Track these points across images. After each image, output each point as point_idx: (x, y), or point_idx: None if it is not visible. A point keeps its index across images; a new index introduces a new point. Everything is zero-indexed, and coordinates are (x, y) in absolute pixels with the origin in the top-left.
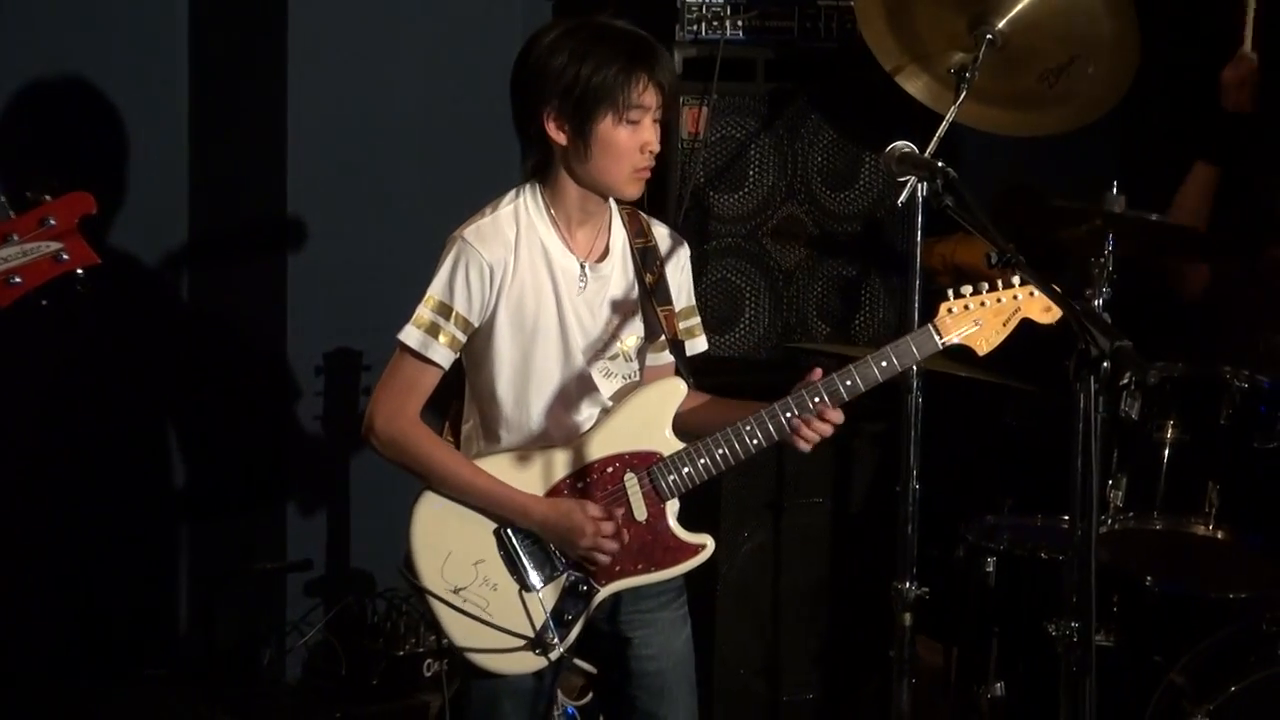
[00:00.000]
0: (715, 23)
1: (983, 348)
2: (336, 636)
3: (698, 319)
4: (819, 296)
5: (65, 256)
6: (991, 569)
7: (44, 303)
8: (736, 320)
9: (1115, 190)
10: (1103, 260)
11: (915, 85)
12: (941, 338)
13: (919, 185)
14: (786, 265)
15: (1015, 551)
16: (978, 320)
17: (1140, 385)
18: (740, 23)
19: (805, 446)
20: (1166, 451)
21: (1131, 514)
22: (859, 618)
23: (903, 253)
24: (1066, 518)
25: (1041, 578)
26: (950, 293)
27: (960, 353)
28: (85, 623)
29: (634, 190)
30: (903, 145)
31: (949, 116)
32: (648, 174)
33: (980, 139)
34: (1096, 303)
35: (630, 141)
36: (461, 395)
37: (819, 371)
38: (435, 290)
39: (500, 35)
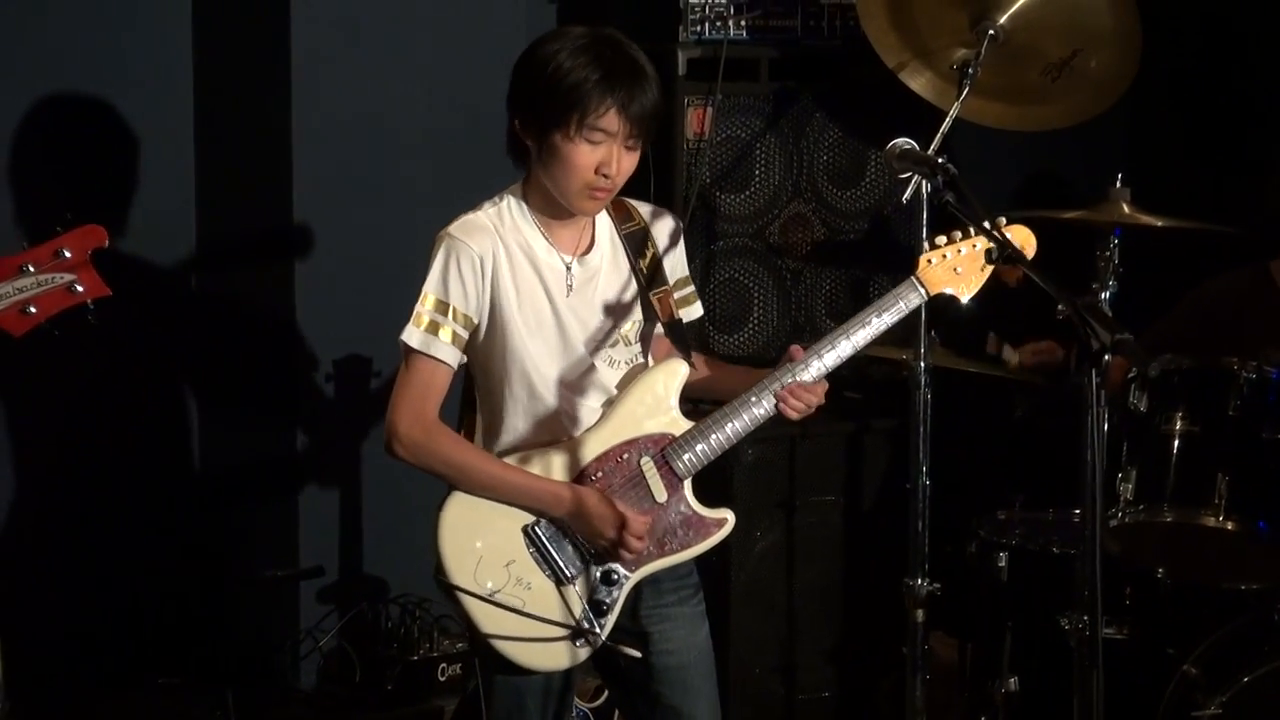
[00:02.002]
0: (719, 23)
1: (964, 293)
2: (350, 643)
3: (692, 288)
4: (827, 295)
5: (79, 288)
6: (1004, 564)
7: (56, 333)
8: (745, 320)
9: (1120, 183)
10: (1108, 254)
11: (918, 82)
12: (925, 288)
13: (922, 182)
14: (794, 264)
15: (1027, 546)
16: (957, 268)
17: (1142, 377)
18: (743, 22)
19: (794, 415)
20: (1176, 443)
21: (1142, 506)
22: (873, 615)
23: (908, 249)
24: (1078, 512)
25: (1054, 572)
26: (926, 244)
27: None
28: (99, 631)
29: (588, 206)
30: (903, 142)
31: (952, 112)
32: (604, 195)
33: (984, 134)
34: (1103, 296)
35: (585, 159)
36: (472, 406)
37: (798, 349)
38: (430, 288)
39: (505, 41)
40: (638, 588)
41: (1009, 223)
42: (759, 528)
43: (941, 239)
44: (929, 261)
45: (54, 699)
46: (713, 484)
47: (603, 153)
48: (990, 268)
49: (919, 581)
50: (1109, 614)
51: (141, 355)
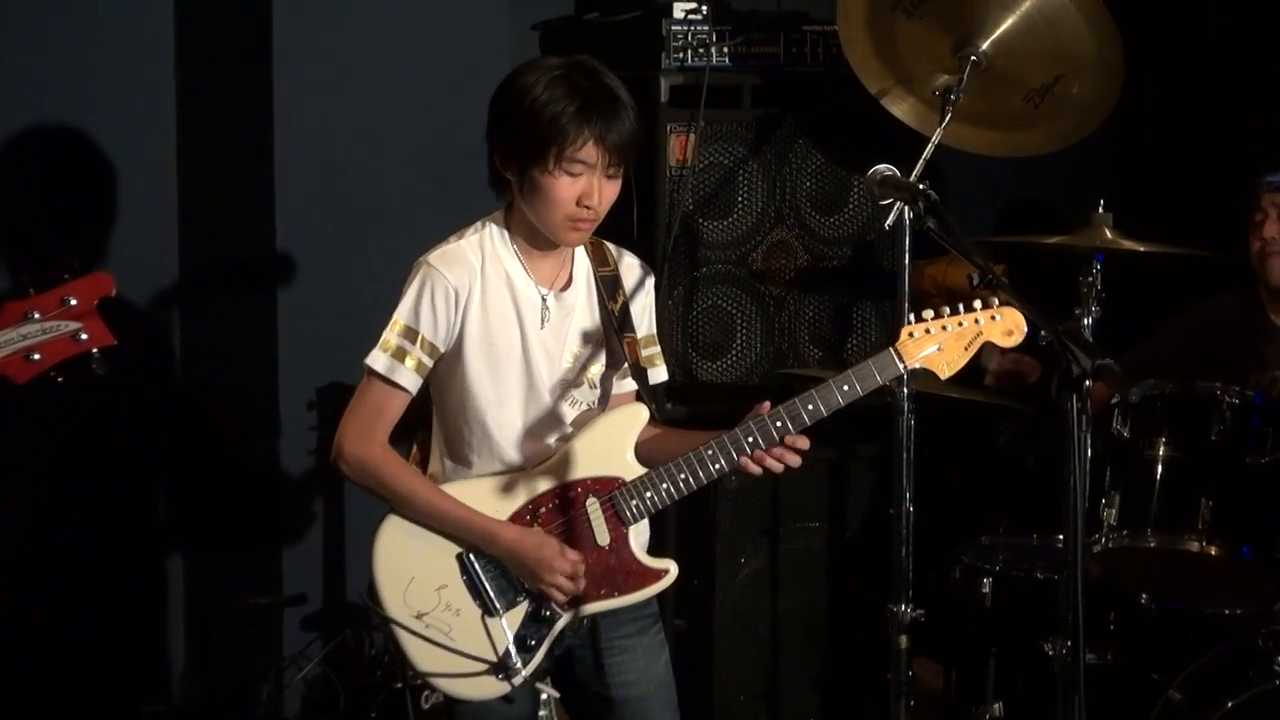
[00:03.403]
0: (701, 50)
1: (944, 371)
2: (334, 670)
3: (658, 348)
4: (810, 321)
5: (84, 336)
6: (988, 589)
7: (59, 379)
8: (728, 347)
9: (1102, 209)
10: (1091, 280)
11: (901, 108)
12: (904, 361)
13: (905, 208)
14: (777, 290)
15: (1011, 572)
16: (940, 344)
17: (1124, 402)
18: (726, 49)
19: (757, 470)
20: (1159, 468)
21: (1125, 531)
22: (857, 641)
23: (892, 275)
24: (1061, 537)
25: (1038, 597)
26: (911, 316)
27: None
28: (82, 661)
29: (572, 238)
30: (885, 168)
31: (934, 139)
32: (588, 225)
33: (967, 160)
34: (1085, 322)
35: (566, 191)
36: (428, 425)
37: (767, 405)
38: (401, 315)
39: (489, 69)
40: (594, 620)
41: (978, 283)
42: (743, 554)
43: (929, 313)
44: (911, 335)
45: None
46: (697, 510)
47: (583, 184)
48: (975, 349)
49: (903, 607)
50: (1092, 639)
51: (124, 381)
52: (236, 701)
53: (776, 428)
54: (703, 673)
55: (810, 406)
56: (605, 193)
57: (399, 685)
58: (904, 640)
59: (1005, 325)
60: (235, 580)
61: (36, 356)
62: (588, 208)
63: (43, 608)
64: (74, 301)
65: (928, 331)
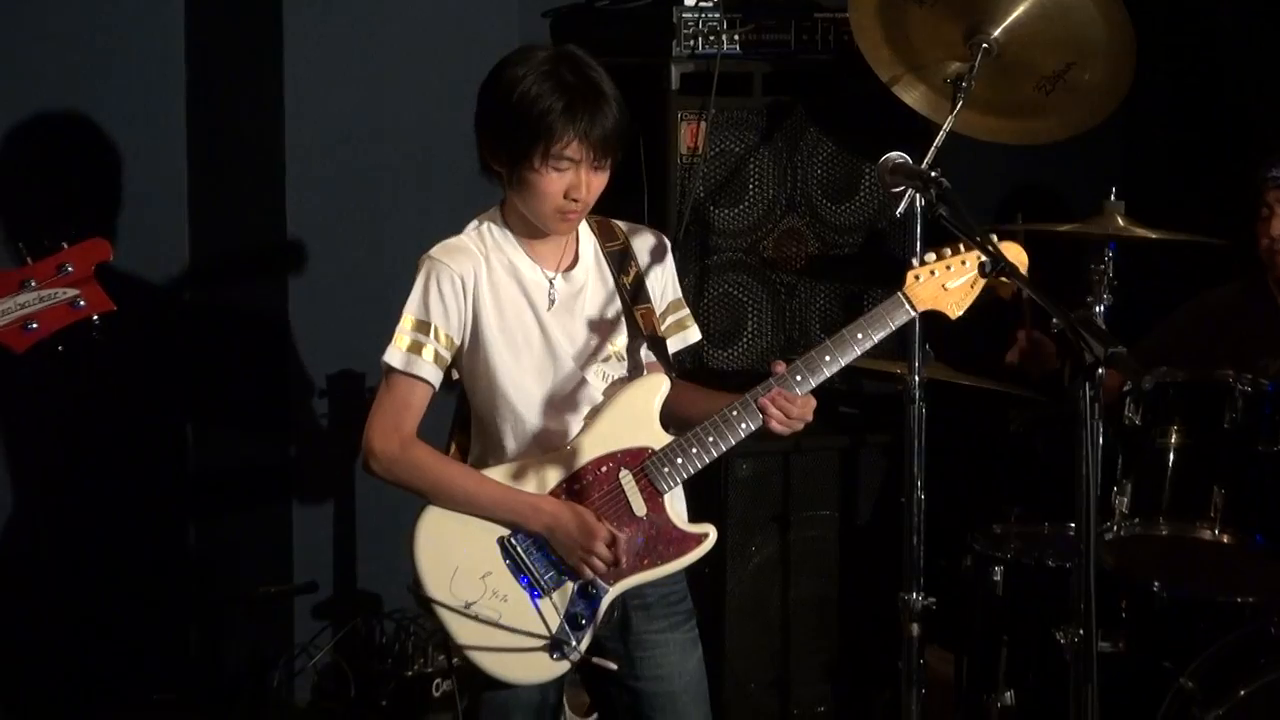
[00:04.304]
0: (712, 37)
1: (954, 311)
2: (345, 658)
3: (686, 310)
4: (822, 309)
5: (82, 303)
6: (999, 578)
7: (60, 348)
8: (739, 335)
9: (1114, 196)
10: (1103, 268)
11: (912, 95)
12: (913, 305)
13: (916, 196)
14: (788, 278)
15: (1023, 560)
16: (945, 284)
17: (1136, 390)
18: (736, 37)
19: (781, 428)
20: (1171, 456)
21: (1137, 520)
22: (868, 629)
23: (904, 263)
24: (1073, 525)
25: (1049, 586)
26: (914, 260)
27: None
28: (93, 648)
29: (562, 228)
30: (896, 156)
31: (946, 126)
32: (576, 215)
33: (978, 148)
34: (1097, 310)
35: (554, 186)
36: (465, 428)
37: (782, 365)
38: (411, 309)
39: (499, 56)
40: (626, 613)
41: (1001, 238)
42: (754, 542)
43: (930, 255)
44: (916, 278)
45: (48, 715)
46: (707, 498)
47: (570, 178)
48: (980, 285)
49: (914, 596)
50: (1104, 627)
51: (134, 369)
52: (247, 689)
53: (797, 381)
54: (714, 661)
55: (827, 358)
56: (593, 184)
57: (410, 673)
58: (915, 628)
59: (1009, 256)
60: (246, 568)
61: (34, 325)
62: (575, 200)
63: (52, 596)
64: (71, 268)
65: (932, 273)
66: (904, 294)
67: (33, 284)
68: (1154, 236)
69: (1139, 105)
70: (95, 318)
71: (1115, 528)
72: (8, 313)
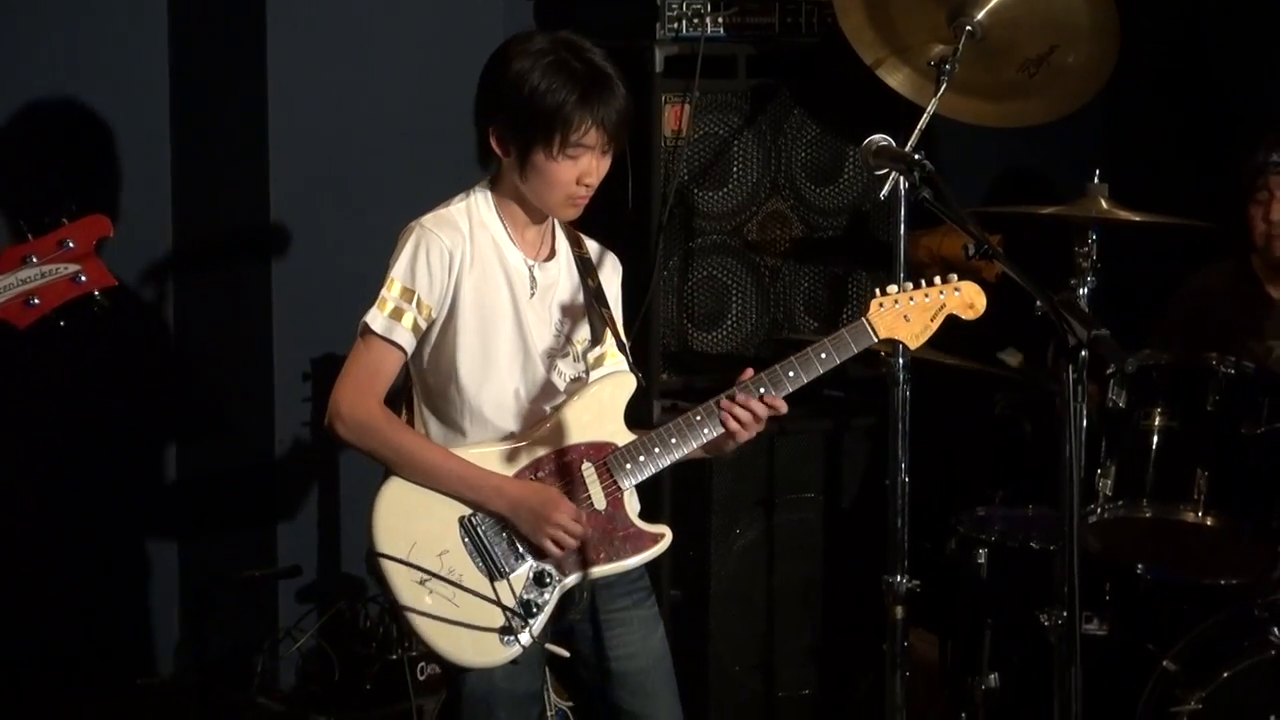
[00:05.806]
0: (696, 20)
1: (913, 342)
2: (329, 642)
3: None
4: (806, 292)
5: (83, 278)
6: (983, 560)
7: (62, 324)
8: (723, 317)
9: (1098, 179)
10: (1086, 250)
11: (896, 78)
12: (876, 332)
13: (900, 178)
14: (772, 261)
15: (1007, 542)
16: (906, 315)
17: (1120, 373)
18: (721, 20)
19: (740, 432)
20: (1155, 439)
21: (1121, 502)
22: (852, 612)
23: (888, 246)
24: (1058, 507)
25: (1033, 568)
26: (878, 290)
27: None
28: (76, 632)
29: (569, 214)
30: (879, 139)
31: (929, 109)
32: (584, 201)
33: (962, 130)
34: (1081, 292)
35: (567, 173)
36: (409, 404)
37: (750, 371)
38: (398, 274)
39: (482, 42)
40: (593, 593)
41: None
42: (738, 525)
43: (892, 288)
44: (880, 305)
45: (31, 699)
46: (692, 482)
47: (583, 164)
48: (941, 319)
49: (899, 578)
50: (1088, 610)
51: (118, 356)
52: (231, 673)
53: (760, 393)
54: (698, 644)
55: (791, 374)
56: (603, 169)
57: (394, 656)
58: (899, 611)
59: (966, 298)
60: (230, 552)
61: (36, 301)
62: (586, 185)
63: (36, 579)
64: (72, 244)
65: (895, 303)
66: (867, 320)
67: (34, 260)
68: (1137, 219)
69: (1122, 87)
70: (97, 293)
71: (1099, 510)
72: (9, 288)
